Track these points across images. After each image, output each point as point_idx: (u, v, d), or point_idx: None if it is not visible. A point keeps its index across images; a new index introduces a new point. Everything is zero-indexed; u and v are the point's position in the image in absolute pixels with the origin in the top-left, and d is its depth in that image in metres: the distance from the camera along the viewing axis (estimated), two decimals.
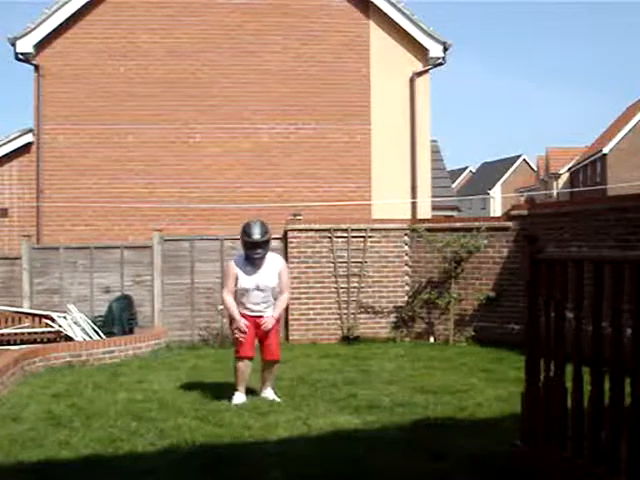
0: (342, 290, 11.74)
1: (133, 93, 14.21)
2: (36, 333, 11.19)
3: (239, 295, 7.03)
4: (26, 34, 13.80)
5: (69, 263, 11.84)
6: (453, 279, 11.22)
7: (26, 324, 11.29)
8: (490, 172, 72.40)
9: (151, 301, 11.80)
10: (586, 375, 4.11)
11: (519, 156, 72.08)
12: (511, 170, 70.55)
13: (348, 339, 11.50)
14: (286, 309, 11.39)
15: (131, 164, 14.20)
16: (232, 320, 7.07)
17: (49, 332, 11.12)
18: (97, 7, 14.17)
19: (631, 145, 43.39)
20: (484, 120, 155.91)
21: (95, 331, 10.85)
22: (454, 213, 19.36)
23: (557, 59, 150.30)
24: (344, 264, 11.73)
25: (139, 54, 14.28)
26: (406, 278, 11.83)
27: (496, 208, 59.29)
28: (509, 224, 10.93)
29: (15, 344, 10.80)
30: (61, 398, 7.15)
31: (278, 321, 7.29)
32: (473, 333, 11.03)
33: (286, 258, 10.88)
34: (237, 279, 6.99)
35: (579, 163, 50.84)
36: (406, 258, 11.85)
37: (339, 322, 11.70)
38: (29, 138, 14.12)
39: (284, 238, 11.64)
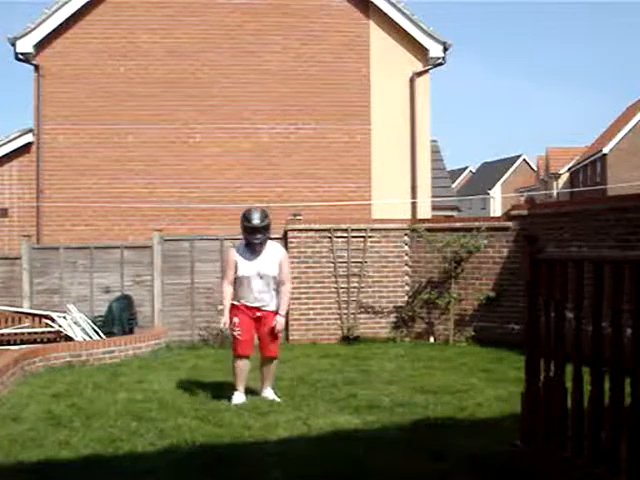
0: (342, 290, 11.74)
1: (133, 93, 14.22)
2: (36, 333, 11.19)
3: (239, 285, 6.98)
4: (26, 34, 13.80)
5: (69, 263, 11.84)
6: (453, 279, 11.22)
7: (26, 324, 11.29)
8: (490, 172, 72.40)
9: (151, 301, 11.80)
10: (586, 375, 4.11)
11: (519, 156, 72.08)
12: (511, 170, 70.56)
13: (348, 339, 11.50)
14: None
15: (131, 164, 14.21)
16: (231, 318, 7.05)
17: (49, 332, 11.12)
18: (97, 7, 14.17)
19: (631, 145, 43.38)
20: (484, 120, 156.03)
21: (95, 331, 10.85)
22: (454, 213, 19.36)
23: (557, 59, 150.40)
24: (344, 264, 11.73)
25: (139, 54, 14.28)
26: (406, 278, 11.83)
27: (496, 208, 59.29)
28: (509, 224, 10.93)
29: (15, 344, 10.80)
30: (61, 398, 7.15)
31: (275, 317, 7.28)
32: (473, 333, 11.03)
33: None
34: (237, 267, 6.97)
35: (579, 163, 50.84)
36: (406, 258, 11.85)
37: (339, 322, 11.70)
38: (29, 138, 14.12)
39: (284, 238, 11.63)
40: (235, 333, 7.02)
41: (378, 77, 14.63)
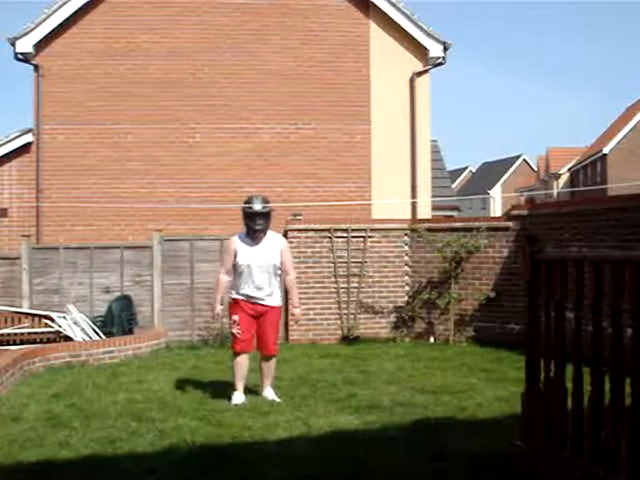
0: (342, 290, 11.73)
1: (133, 93, 14.21)
2: (36, 333, 11.19)
3: (239, 275, 6.95)
4: (26, 34, 13.80)
5: (69, 263, 11.83)
6: (453, 279, 11.22)
7: (26, 324, 11.28)
8: (490, 172, 72.41)
9: (151, 301, 11.80)
10: (586, 375, 4.11)
11: (519, 156, 72.10)
12: (511, 170, 70.58)
13: (348, 339, 11.49)
14: (286, 309, 11.45)
15: (131, 164, 14.20)
16: (231, 314, 7.02)
17: (49, 332, 11.12)
18: (97, 7, 14.17)
19: (631, 145, 43.41)
20: (484, 120, 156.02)
21: (95, 331, 10.85)
22: (454, 213, 19.36)
23: (557, 59, 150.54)
24: (344, 264, 11.73)
25: (139, 54, 14.27)
26: (406, 278, 11.83)
27: (496, 208, 59.29)
28: (509, 224, 10.92)
29: (15, 344, 10.79)
30: (61, 398, 7.15)
31: (279, 315, 7.29)
32: (473, 333, 11.02)
33: None
34: (237, 256, 6.95)
35: (579, 163, 50.86)
36: (406, 258, 11.85)
37: (339, 322, 11.70)
38: (29, 138, 14.11)
39: (286, 241, 11.60)
40: (234, 331, 6.99)
41: (378, 77, 14.62)
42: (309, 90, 14.50)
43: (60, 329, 10.97)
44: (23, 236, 12.40)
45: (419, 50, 14.64)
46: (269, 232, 7.08)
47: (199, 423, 6.08)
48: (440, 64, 14.79)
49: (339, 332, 11.65)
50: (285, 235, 11.66)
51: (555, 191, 52.80)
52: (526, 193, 53.30)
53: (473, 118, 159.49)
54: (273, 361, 7.22)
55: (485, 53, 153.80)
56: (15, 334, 11.16)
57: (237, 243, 7.02)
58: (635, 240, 8.40)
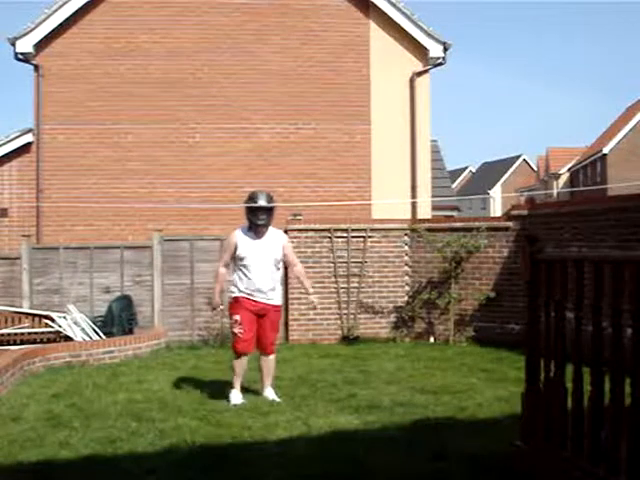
0: (342, 290, 11.73)
1: (133, 93, 14.21)
2: (36, 333, 11.19)
3: (240, 271, 6.92)
4: (26, 34, 13.80)
5: (69, 263, 11.83)
6: (453, 279, 11.22)
7: (26, 324, 11.28)
8: (490, 172, 72.40)
9: (151, 301, 11.80)
10: (586, 375, 4.11)
11: (519, 156, 72.10)
12: (511, 170, 70.58)
13: (348, 339, 11.49)
14: (285, 309, 11.46)
15: (131, 164, 14.20)
16: (232, 314, 7.00)
17: (49, 332, 11.12)
18: (97, 7, 14.17)
19: (631, 145, 43.41)
20: (484, 120, 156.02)
21: (95, 331, 10.85)
22: (454, 213, 19.37)
23: (557, 59, 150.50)
24: (344, 264, 11.73)
25: (139, 54, 14.27)
26: (406, 278, 11.83)
27: (496, 208, 59.30)
28: (509, 224, 10.93)
29: (15, 344, 10.79)
30: (61, 398, 7.15)
31: (280, 315, 7.33)
32: (473, 333, 11.02)
33: None
34: (238, 249, 6.93)
35: (579, 163, 50.87)
36: (406, 258, 11.85)
37: (339, 322, 11.70)
38: (29, 138, 14.11)
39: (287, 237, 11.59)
40: (236, 330, 6.95)
41: (378, 77, 14.62)
42: (309, 90, 14.50)
43: (60, 329, 10.97)
44: (23, 236, 12.40)
45: (419, 50, 14.64)
46: (270, 228, 7.10)
47: (199, 423, 6.08)
48: (440, 64, 14.79)
49: (339, 332, 11.65)
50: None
51: (555, 191, 52.80)
52: (526, 193, 53.31)
53: (473, 118, 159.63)
54: (273, 361, 7.22)
55: (485, 53, 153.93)
56: (15, 334, 11.16)
57: (238, 237, 7.01)
58: (635, 240, 8.40)
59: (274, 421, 6.11)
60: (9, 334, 11.14)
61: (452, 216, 18.00)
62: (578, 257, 4.51)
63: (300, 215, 12.09)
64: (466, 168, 79.81)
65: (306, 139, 14.52)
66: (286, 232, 11.57)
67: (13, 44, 13.78)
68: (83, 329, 10.85)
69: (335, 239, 11.74)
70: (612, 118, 53.04)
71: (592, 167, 47.47)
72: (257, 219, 6.94)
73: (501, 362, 9.09)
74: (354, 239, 11.76)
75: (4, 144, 14.05)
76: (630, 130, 44.39)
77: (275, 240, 7.09)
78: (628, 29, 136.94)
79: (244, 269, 6.93)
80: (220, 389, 7.33)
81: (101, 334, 10.77)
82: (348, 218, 12.56)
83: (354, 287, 11.72)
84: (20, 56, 13.93)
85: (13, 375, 7.87)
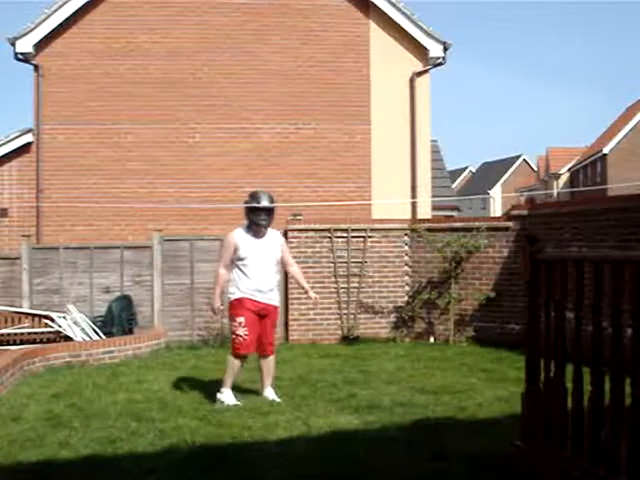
0: (342, 290, 11.73)
1: (133, 93, 14.21)
2: (36, 333, 11.19)
3: (242, 271, 6.88)
4: (26, 34, 13.79)
5: (69, 263, 11.83)
6: (453, 279, 11.22)
7: (26, 324, 11.28)
8: (490, 172, 72.41)
9: (151, 301, 11.79)
10: (586, 375, 4.11)
11: (519, 156, 72.10)
12: (511, 170, 70.58)
13: (348, 339, 11.49)
14: (285, 309, 11.46)
15: (131, 164, 14.20)
16: (235, 316, 6.92)
17: (49, 332, 11.12)
18: (97, 7, 14.16)
19: (631, 145, 43.42)
20: (484, 120, 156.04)
21: (95, 331, 10.85)
22: (454, 213, 19.37)
23: (557, 59, 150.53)
24: (344, 264, 11.73)
25: (139, 54, 14.27)
26: (406, 278, 11.83)
27: (496, 208, 59.30)
28: (509, 224, 10.92)
29: (15, 344, 10.79)
30: (61, 398, 7.15)
31: (278, 314, 7.33)
32: (473, 333, 11.02)
33: None
34: (239, 250, 6.89)
35: (579, 163, 50.87)
36: (406, 258, 11.85)
37: (339, 322, 11.69)
38: (29, 138, 14.11)
39: (284, 238, 11.59)
40: (240, 333, 6.87)
41: (378, 77, 14.62)
42: (309, 90, 14.49)
43: (60, 329, 10.97)
44: (23, 236, 12.40)
45: (419, 50, 14.64)
46: (268, 228, 7.11)
47: (199, 423, 6.08)
48: (440, 64, 14.78)
49: (339, 332, 11.64)
50: (285, 235, 11.66)
51: (555, 191, 52.80)
52: (526, 193, 53.32)
53: (473, 118, 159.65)
54: (272, 361, 7.21)
55: (485, 53, 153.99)
56: (15, 334, 11.16)
57: (238, 238, 6.98)
58: (635, 240, 8.40)
59: (274, 421, 6.11)
60: (9, 334, 11.14)
61: (452, 216, 18.00)
62: (578, 257, 4.51)
63: (300, 215, 12.09)
64: (466, 168, 79.81)
65: (306, 139, 14.52)
66: (286, 232, 11.66)
67: (13, 44, 13.78)
68: (83, 329, 10.85)
69: (335, 239, 11.74)
70: (612, 118, 53.10)
71: (592, 167, 47.47)
72: (259, 219, 6.94)
73: (501, 362, 9.09)
74: (354, 239, 11.76)
75: (4, 144, 14.05)
76: (630, 130, 44.39)
77: (274, 240, 7.10)
78: (627, 29, 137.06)
79: (245, 269, 6.91)
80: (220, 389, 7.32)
81: (101, 334, 10.77)
82: (348, 218, 12.56)
83: (354, 287, 11.72)
84: (20, 56, 13.93)
85: (13, 375, 7.87)
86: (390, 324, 11.74)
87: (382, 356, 9.94)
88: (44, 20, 13.86)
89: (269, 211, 7.00)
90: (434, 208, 15.91)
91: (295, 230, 11.74)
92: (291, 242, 11.66)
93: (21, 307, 11.57)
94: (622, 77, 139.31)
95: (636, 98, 48.94)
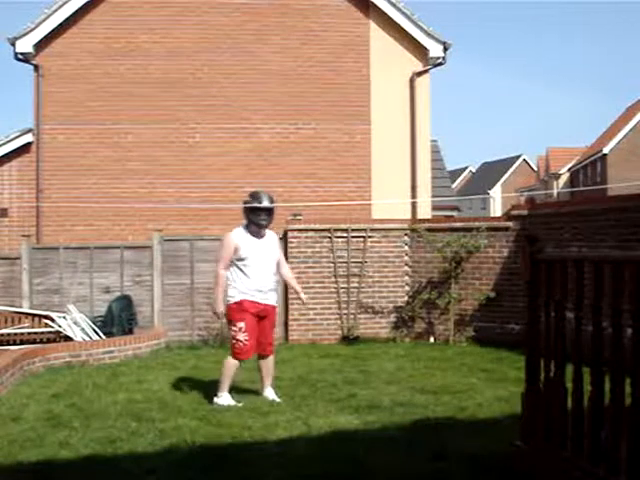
0: (342, 290, 11.73)
1: (133, 93, 14.21)
2: (36, 333, 11.19)
3: (242, 272, 6.86)
4: (26, 34, 13.80)
5: (69, 263, 11.83)
6: (453, 279, 11.22)
7: (26, 324, 11.29)
8: (490, 172, 72.41)
9: (151, 301, 11.79)
10: (586, 375, 4.11)
11: (519, 156, 72.10)
12: (511, 170, 70.58)
13: (348, 339, 11.49)
14: (285, 309, 11.46)
15: (131, 164, 14.20)
16: (235, 321, 6.86)
17: (49, 332, 11.12)
18: (97, 7, 14.17)
19: (631, 145, 43.42)
20: (484, 120, 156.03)
21: (95, 331, 10.85)
22: (454, 213, 19.36)
23: (557, 59, 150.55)
24: (344, 264, 11.72)
25: (139, 54, 14.27)
26: (406, 278, 11.83)
27: (496, 208, 59.31)
28: (509, 224, 10.92)
29: (15, 344, 10.79)
30: (61, 398, 7.15)
31: (276, 314, 7.33)
32: (473, 333, 11.02)
33: (286, 258, 10.86)
34: (239, 250, 6.87)
35: (579, 163, 50.87)
36: (406, 258, 11.85)
37: (339, 322, 11.69)
38: (29, 138, 14.11)
39: (284, 238, 11.62)
40: (241, 338, 6.83)
41: (378, 77, 14.62)
42: (309, 90, 14.49)
43: (60, 329, 10.97)
44: (23, 236, 12.40)
45: (419, 50, 14.64)
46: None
47: (199, 423, 6.08)
48: (440, 64, 14.79)
49: (339, 332, 11.64)
50: (285, 235, 11.68)
51: (555, 191, 52.80)
52: (526, 193, 53.31)
53: (473, 118, 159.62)
54: (272, 361, 7.20)
55: (485, 53, 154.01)
56: (15, 334, 11.16)
57: (238, 238, 6.95)
58: (635, 240, 8.40)
59: (274, 421, 6.11)
60: (9, 334, 11.14)
61: (452, 216, 17.99)
62: (578, 257, 4.51)
63: (300, 215, 12.09)
64: (466, 168, 79.81)
65: (306, 139, 14.52)
66: (286, 232, 11.66)
67: (13, 44, 13.78)
68: (83, 329, 10.85)
69: (335, 239, 11.74)
70: (612, 118, 53.10)
71: (592, 167, 47.48)
72: (259, 219, 6.94)
73: (501, 362, 9.09)
74: (354, 239, 11.76)
75: (4, 144, 14.05)
76: (630, 130, 44.39)
77: (272, 240, 7.12)
78: (627, 29, 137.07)
79: (245, 269, 6.88)
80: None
81: (101, 334, 10.77)
82: (348, 218, 12.56)
83: (354, 287, 11.72)
84: (20, 56, 13.93)
85: (13, 375, 7.87)
86: (390, 324, 11.74)
87: (382, 356, 9.94)
88: (44, 20, 13.86)
89: (269, 211, 7.00)
90: (434, 208, 15.91)
91: (295, 230, 11.74)
92: (291, 242, 11.67)
93: (21, 307, 11.57)
94: (622, 77, 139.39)
95: (636, 98, 48.98)
